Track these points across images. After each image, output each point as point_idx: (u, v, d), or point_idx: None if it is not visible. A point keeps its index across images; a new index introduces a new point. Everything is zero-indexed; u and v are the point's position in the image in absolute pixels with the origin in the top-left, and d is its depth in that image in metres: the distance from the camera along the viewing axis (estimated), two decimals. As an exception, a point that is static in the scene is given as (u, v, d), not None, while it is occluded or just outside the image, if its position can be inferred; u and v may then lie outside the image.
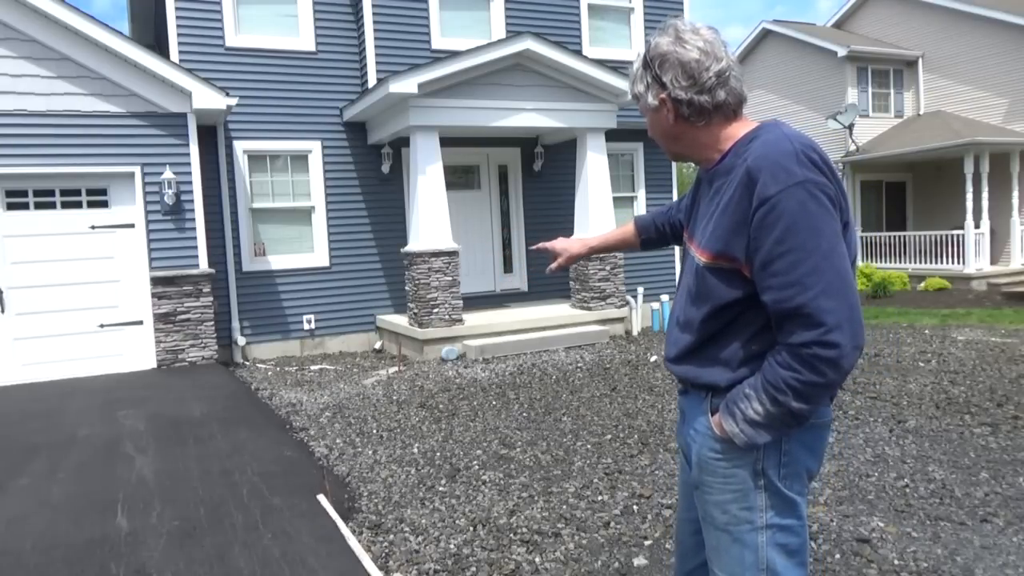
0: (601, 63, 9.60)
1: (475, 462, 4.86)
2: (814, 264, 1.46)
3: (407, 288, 9.26)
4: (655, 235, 2.22)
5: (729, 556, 1.69)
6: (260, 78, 9.46)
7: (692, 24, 1.65)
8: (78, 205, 8.06)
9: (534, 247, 2.44)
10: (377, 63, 9.58)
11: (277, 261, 9.65)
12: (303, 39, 9.68)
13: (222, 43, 9.28)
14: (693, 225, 1.78)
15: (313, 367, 8.84)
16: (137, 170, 8.08)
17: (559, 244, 2.31)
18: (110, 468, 4.73)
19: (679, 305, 1.78)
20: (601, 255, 9.69)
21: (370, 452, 5.18)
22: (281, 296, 9.68)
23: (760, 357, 1.61)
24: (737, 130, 1.66)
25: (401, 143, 9.99)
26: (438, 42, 10.00)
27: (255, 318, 9.54)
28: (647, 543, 3.52)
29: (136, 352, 8.22)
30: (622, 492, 4.19)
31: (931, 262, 16.01)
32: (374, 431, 5.75)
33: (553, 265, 2.31)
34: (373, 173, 10.13)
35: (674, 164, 12.16)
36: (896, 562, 3.23)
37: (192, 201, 8.29)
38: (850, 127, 16.93)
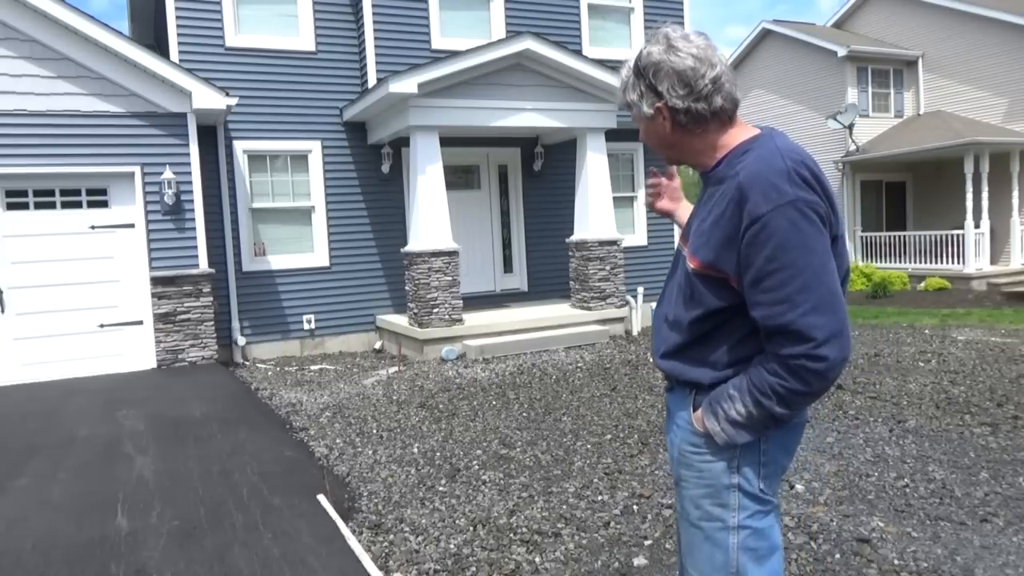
0: (601, 63, 9.59)
1: (475, 462, 4.85)
2: (804, 282, 1.48)
3: (407, 288, 9.25)
4: None
5: (700, 553, 1.72)
6: (260, 78, 9.46)
7: (683, 31, 1.64)
8: (78, 205, 8.06)
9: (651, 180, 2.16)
10: (377, 63, 9.57)
11: (277, 261, 9.65)
12: (303, 39, 9.68)
13: (222, 43, 9.28)
14: (688, 225, 1.79)
15: (313, 367, 8.84)
16: (137, 170, 8.08)
17: (673, 203, 2.13)
18: (110, 468, 4.72)
19: (668, 301, 1.79)
20: (601, 256, 9.77)
21: (370, 452, 5.18)
22: (281, 296, 9.68)
23: (746, 360, 1.63)
24: (733, 137, 1.66)
25: (401, 143, 9.99)
26: (438, 42, 9.99)
27: (255, 318, 9.54)
28: (647, 543, 3.52)
29: (136, 352, 8.22)
30: (622, 492, 4.19)
31: (931, 262, 16.01)
32: (374, 431, 5.74)
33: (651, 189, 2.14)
34: (373, 173, 10.13)
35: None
36: (896, 562, 3.23)
37: (192, 201, 8.29)
38: (850, 127, 16.92)
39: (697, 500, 1.71)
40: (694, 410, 1.71)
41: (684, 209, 2.12)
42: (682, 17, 11.65)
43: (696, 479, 1.71)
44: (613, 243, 9.91)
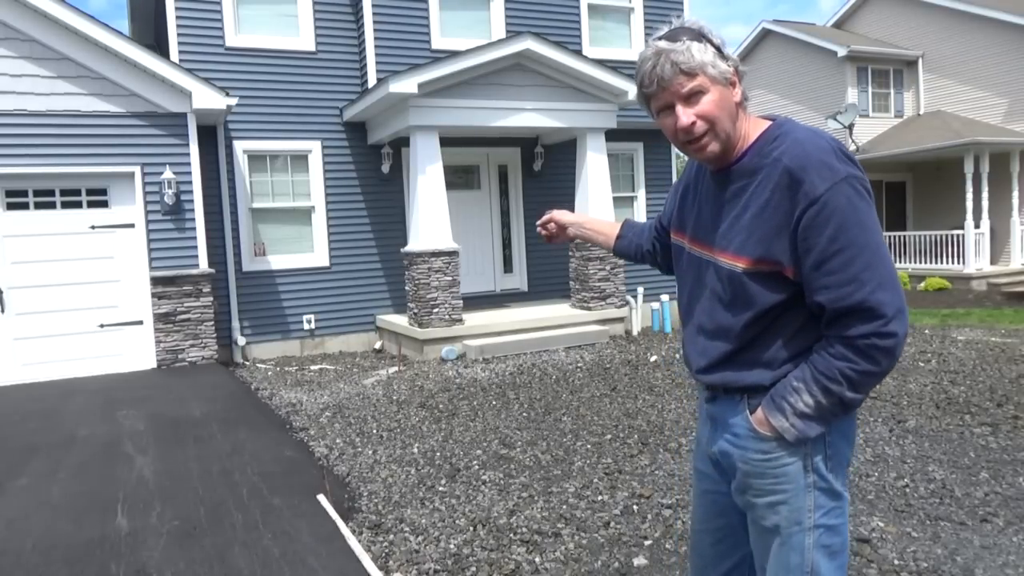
0: (601, 63, 9.60)
1: (475, 462, 4.85)
2: (867, 259, 1.47)
3: (407, 288, 9.25)
4: (632, 248, 2.17)
5: (775, 559, 1.66)
6: (260, 78, 9.46)
7: None
8: (78, 205, 8.06)
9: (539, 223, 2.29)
10: (377, 63, 9.57)
11: (277, 261, 9.65)
12: (303, 39, 9.68)
13: (222, 43, 9.28)
14: (700, 229, 1.72)
15: (313, 367, 8.84)
16: (137, 170, 8.08)
17: (556, 215, 2.25)
18: (110, 468, 4.73)
19: (701, 311, 1.72)
20: (601, 255, 9.76)
21: (370, 452, 5.18)
22: (281, 296, 9.68)
23: (801, 354, 1.59)
24: (753, 126, 1.63)
25: (401, 143, 9.99)
26: (438, 42, 9.99)
27: (255, 318, 9.54)
28: (647, 543, 3.52)
29: (136, 352, 8.22)
30: (622, 492, 4.19)
31: (931, 262, 16.01)
32: (374, 431, 5.75)
33: (541, 230, 2.25)
34: (373, 173, 10.13)
35: (674, 164, 12.16)
36: (896, 562, 3.23)
37: (192, 201, 8.29)
38: (850, 127, 16.93)
39: (775, 507, 1.63)
40: (751, 413, 1.64)
41: (584, 219, 2.23)
42: (682, 17, 11.63)
43: (772, 486, 1.63)
44: (613, 243, 9.89)
